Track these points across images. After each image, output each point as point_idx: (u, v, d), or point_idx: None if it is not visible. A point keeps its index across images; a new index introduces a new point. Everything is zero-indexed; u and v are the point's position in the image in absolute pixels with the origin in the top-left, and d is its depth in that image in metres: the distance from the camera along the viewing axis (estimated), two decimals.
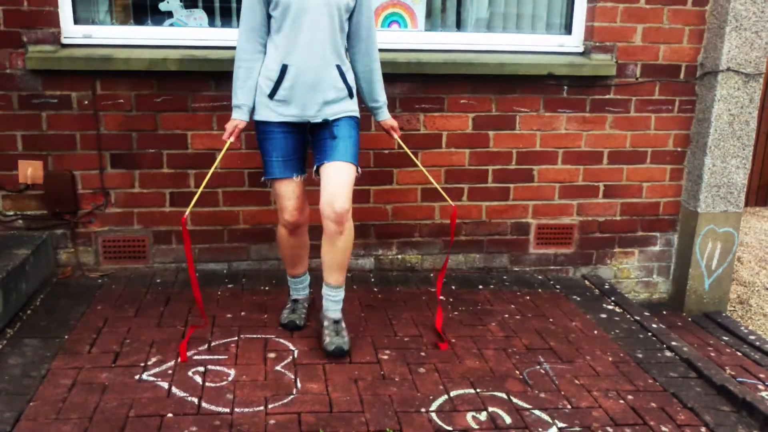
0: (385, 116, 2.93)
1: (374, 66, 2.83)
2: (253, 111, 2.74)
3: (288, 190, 2.78)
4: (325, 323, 2.83)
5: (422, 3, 3.70)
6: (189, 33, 3.45)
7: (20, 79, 3.24)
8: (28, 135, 3.32)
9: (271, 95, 2.67)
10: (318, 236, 3.06)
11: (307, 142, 2.81)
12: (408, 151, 3.04)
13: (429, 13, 3.76)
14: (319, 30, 2.61)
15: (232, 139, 2.72)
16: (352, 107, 2.77)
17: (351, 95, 2.76)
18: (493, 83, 3.62)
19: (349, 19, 2.73)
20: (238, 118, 2.72)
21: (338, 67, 2.69)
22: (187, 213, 2.76)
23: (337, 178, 2.66)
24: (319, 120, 2.70)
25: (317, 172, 2.74)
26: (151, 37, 3.39)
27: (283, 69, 2.64)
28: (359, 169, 2.76)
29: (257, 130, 2.77)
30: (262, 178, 2.81)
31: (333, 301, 2.83)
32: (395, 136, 2.96)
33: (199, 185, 3.49)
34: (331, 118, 2.70)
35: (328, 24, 2.62)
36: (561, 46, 3.75)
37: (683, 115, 3.85)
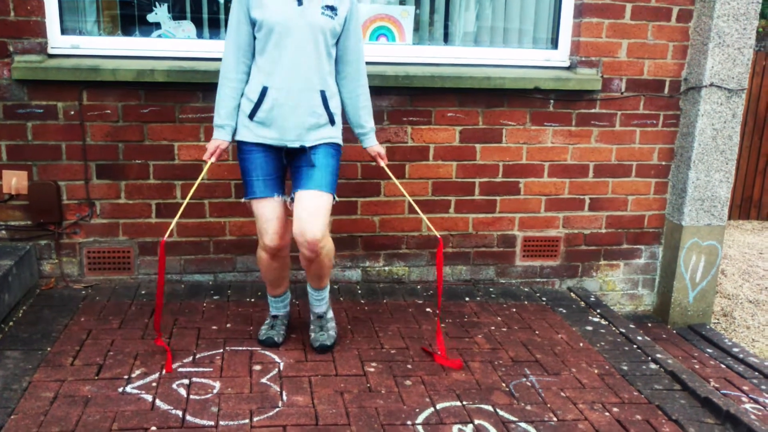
0: (372, 143, 2.87)
1: (360, 92, 2.79)
2: (235, 131, 2.71)
3: (268, 211, 2.71)
4: (311, 318, 2.97)
5: (410, 17, 3.73)
6: (177, 44, 3.45)
7: (6, 89, 3.23)
8: (13, 145, 3.30)
9: (251, 116, 2.64)
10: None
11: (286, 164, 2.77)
12: (395, 180, 2.99)
13: (417, 27, 3.79)
14: (303, 53, 2.58)
15: (213, 159, 2.68)
16: (332, 134, 2.73)
17: (332, 122, 2.72)
18: (480, 97, 3.64)
19: (337, 43, 2.71)
20: (220, 138, 2.68)
21: (322, 92, 2.65)
22: (165, 237, 2.71)
23: (310, 207, 2.62)
24: (296, 145, 2.66)
25: (293, 200, 2.70)
26: (138, 48, 3.39)
27: (263, 91, 2.60)
28: (336, 198, 2.73)
29: (238, 149, 2.75)
30: (243, 199, 2.77)
31: (316, 299, 2.94)
32: (382, 163, 2.89)
33: (186, 196, 3.48)
34: (308, 145, 2.67)
35: (313, 48, 2.59)
36: (547, 60, 3.79)
37: (667, 130, 3.90)
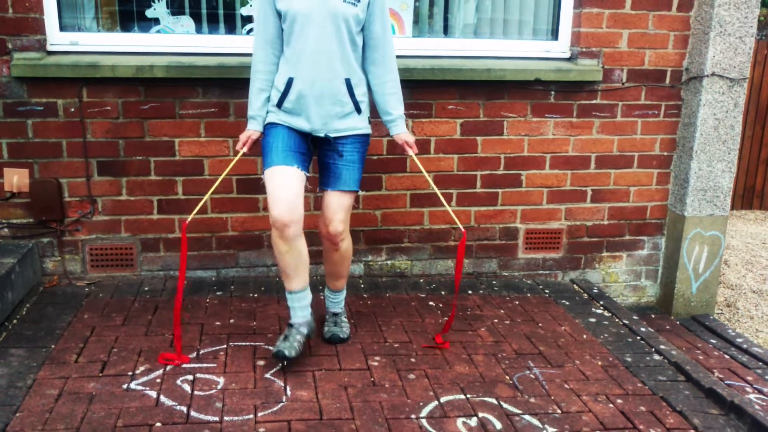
0: (400, 130, 2.82)
1: (388, 78, 2.75)
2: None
3: (282, 178, 2.59)
4: (326, 316, 3.06)
5: (410, 9, 3.71)
6: (176, 40, 3.44)
7: (5, 87, 3.22)
8: (14, 143, 3.29)
9: (278, 105, 2.69)
10: (317, 243, 3.05)
11: (312, 147, 2.77)
12: (424, 171, 2.93)
13: (416, 20, 3.77)
14: (325, 42, 2.58)
15: (245, 149, 2.74)
16: (359, 124, 2.73)
17: (359, 111, 2.71)
18: (480, 89, 3.63)
19: (363, 30, 2.69)
20: (252, 129, 2.73)
21: (347, 80, 2.65)
22: (189, 218, 2.74)
23: (336, 206, 2.76)
24: (322, 135, 2.68)
25: (320, 191, 2.82)
26: (137, 44, 3.38)
27: (289, 82, 2.63)
28: (359, 191, 2.83)
29: (264, 133, 2.74)
30: (263, 171, 2.69)
31: (333, 302, 3.05)
32: (410, 152, 2.83)
33: (187, 192, 3.49)
34: (333, 135, 2.68)
35: (335, 36, 2.58)
36: (548, 51, 3.77)
37: (669, 120, 3.88)
